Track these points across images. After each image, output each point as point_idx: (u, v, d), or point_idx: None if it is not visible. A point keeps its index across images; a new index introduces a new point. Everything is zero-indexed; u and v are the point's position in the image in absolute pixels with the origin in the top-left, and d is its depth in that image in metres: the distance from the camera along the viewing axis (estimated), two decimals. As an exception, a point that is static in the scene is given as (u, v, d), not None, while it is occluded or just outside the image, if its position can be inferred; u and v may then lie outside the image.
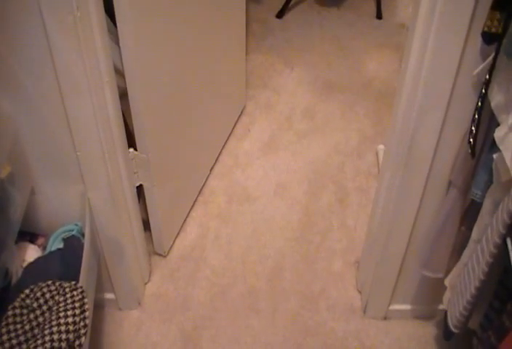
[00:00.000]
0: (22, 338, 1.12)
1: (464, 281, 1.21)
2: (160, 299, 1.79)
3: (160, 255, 1.91)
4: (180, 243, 1.96)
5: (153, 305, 1.77)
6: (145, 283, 1.82)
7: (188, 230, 2.01)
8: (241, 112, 2.49)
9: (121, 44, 1.39)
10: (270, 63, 2.79)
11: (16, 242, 1.37)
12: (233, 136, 2.39)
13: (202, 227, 2.02)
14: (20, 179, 1.34)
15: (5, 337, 1.13)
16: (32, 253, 1.41)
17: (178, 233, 1.99)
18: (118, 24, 1.35)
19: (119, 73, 1.43)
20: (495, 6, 1.04)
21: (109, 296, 1.72)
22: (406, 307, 1.72)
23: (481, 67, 1.13)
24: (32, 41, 1.16)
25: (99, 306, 1.73)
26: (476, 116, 1.13)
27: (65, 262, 1.33)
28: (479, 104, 1.13)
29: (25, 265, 1.35)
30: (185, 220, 2.03)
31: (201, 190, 2.14)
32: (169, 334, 1.70)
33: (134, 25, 1.37)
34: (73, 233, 1.45)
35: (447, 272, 1.43)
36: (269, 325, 1.73)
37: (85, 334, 1.14)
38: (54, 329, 1.11)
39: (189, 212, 2.06)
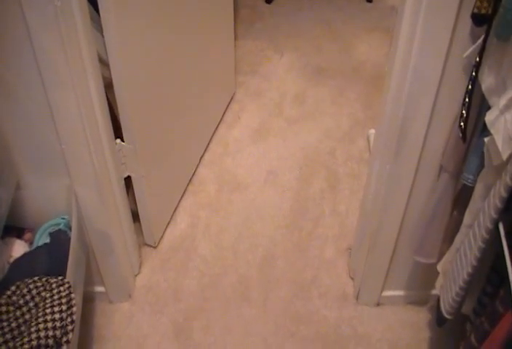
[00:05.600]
0: (8, 336, 1.10)
1: (456, 267, 1.20)
2: (151, 290, 1.77)
3: (150, 246, 1.89)
4: (171, 233, 1.95)
5: (144, 297, 1.75)
6: (136, 275, 1.81)
7: (178, 220, 1.99)
8: (231, 99, 2.46)
9: (104, 33, 1.36)
10: (260, 49, 2.77)
11: (2, 237, 1.35)
12: (223, 123, 2.37)
13: (192, 217, 2.00)
14: (5, 174, 1.33)
15: (-9, 335, 1.11)
16: (19, 248, 1.39)
17: (168, 224, 1.97)
18: (101, 12, 1.32)
19: (104, 62, 1.41)
20: (484, -13, 1.02)
21: (99, 289, 1.71)
22: (399, 293, 1.71)
23: (471, 49, 1.11)
24: (12, 32, 1.13)
25: (89, 299, 1.71)
26: (467, 100, 1.12)
27: (52, 256, 1.31)
28: (470, 87, 1.11)
29: (11, 260, 1.32)
30: (175, 210, 2.01)
31: (190, 179, 2.12)
32: (161, 326, 1.68)
33: (118, 13, 1.34)
34: (60, 226, 1.43)
35: (440, 257, 1.42)
36: (261, 314, 1.72)
37: (72, 330, 1.12)
38: (41, 325, 1.09)
39: (179, 202, 2.04)
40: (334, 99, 2.48)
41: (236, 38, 2.41)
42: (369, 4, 3.13)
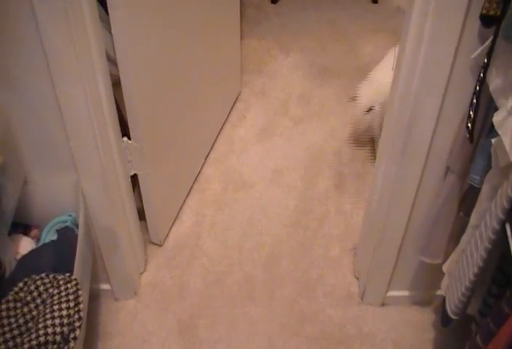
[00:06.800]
0: (16, 332, 1.11)
1: (462, 268, 1.20)
2: (156, 288, 1.78)
3: (156, 244, 1.90)
4: (176, 231, 1.95)
5: (149, 295, 1.76)
6: (141, 273, 1.81)
7: (183, 219, 1.99)
8: (237, 98, 2.47)
9: (113, 31, 1.36)
10: (266, 48, 2.77)
11: (9, 234, 1.35)
12: (229, 122, 2.37)
13: (198, 215, 2.00)
14: (12, 170, 1.33)
15: (-1, 331, 1.12)
16: (26, 245, 1.40)
17: (174, 222, 1.97)
18: (109, 11, 1.33)
19: (112, 60, 1.41)
20: (493, -12, 1.02)
21: (105, 286, 1.71)
22: (404, 293, 1.71)
23: (479, 50, 1.11)
24: (22, 29, 1.14)
25: (94, 297, 1.72)
26: (474, 101, 1.12)
27: (59, 253, 1.31)
28: (477, 88, 1.11)
29: (18, 257, 1.33)
30: (180, 208, 2.02)
31: (196, 177, 2.13)
32: (166, 323, 1.69)
33: (126, 11, 1.35)
34: (67, 223, 1.43)
35: (445, 258, 1.42)
36: (266, 312, 1.72)
37: (79, 326, 1.13)
38: (49, 322, 1.09)
39: (185, 200, 2.05)
40: (339, 99, 2.48)
41: (241, 38, 2.41)
42: (374, 5, 3.13)
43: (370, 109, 1.99)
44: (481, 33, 1.11)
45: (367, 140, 2.18)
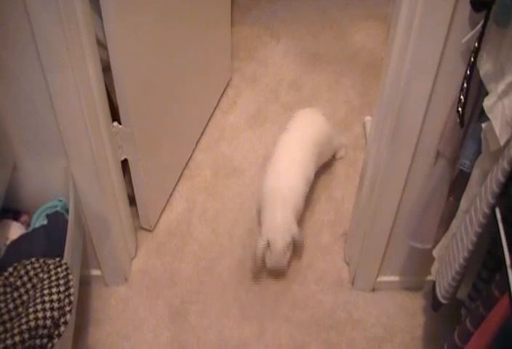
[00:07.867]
0: (6, 317, 1.10)
1: (452, 252, 1.21)
2: (147, 274, 1.78)
3: (146, 230, 1.90)
4: (167, 217, 1.95)
5: (140, 281, 1.76)
6: (132, 259, 1.81)
7: (174, 205, 1.99)
8: (227, 84, 2.45)
9: (103, 16, 1.35)
10: (256, 35, 2.75)
11: (-1, 220, 1.35)
12: (219, 109, 2.36)
13: (188, 201, 2.00)
14: (2, 156, 1.32)
15: (-11, 316, 1.11)
16: (15, 230, 1.39)
17: (164, 208, 1.97)
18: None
19: (102, 45, 1.40)
20: (484, -28, 1.02)
21: (95, 272, 1.71)
22: (394, 278, 1.72)
23: (469, 35, 1.11)
24: (11, 14, 1.13)
25: (85, 283, 1.71)
26: (465, 85, 1.12)
27: (49, 238, 1.31)
28: (468, 72, 1.11)
29: (8, 242, 1.32)
30: (171, 194, 2.01)
31: (187, 163, 2.12)
32: (157, 310, 1.69)
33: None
34: (57, 209, 1.43)
35: (435, 243, 1.42)
36: (257, 298, 1.73)
37: (70, 311, 1.12)
38: (39, 306, 1.09)
39: (175, 186, 2.04)
40: (330, 86, 2.48)
41: (232, 24, 2.40)
42: (365, -9, 3.11)
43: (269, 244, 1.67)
44: (471, 17, 1.10)
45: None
